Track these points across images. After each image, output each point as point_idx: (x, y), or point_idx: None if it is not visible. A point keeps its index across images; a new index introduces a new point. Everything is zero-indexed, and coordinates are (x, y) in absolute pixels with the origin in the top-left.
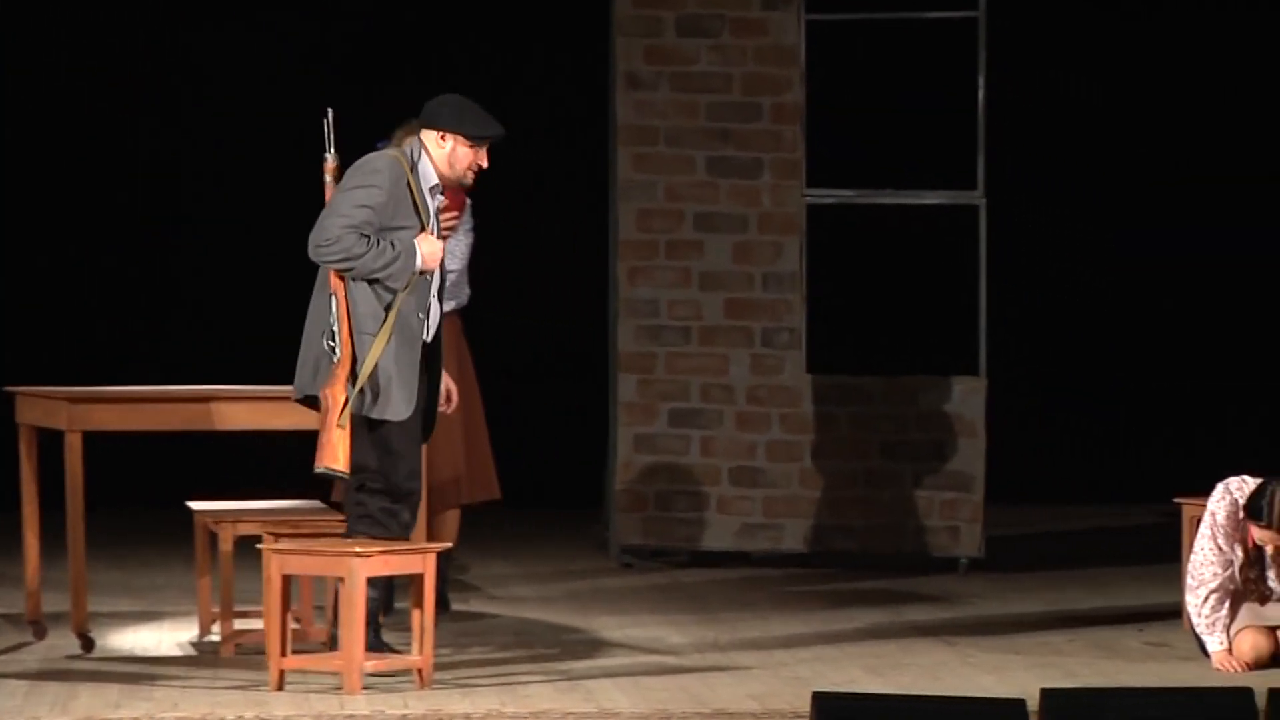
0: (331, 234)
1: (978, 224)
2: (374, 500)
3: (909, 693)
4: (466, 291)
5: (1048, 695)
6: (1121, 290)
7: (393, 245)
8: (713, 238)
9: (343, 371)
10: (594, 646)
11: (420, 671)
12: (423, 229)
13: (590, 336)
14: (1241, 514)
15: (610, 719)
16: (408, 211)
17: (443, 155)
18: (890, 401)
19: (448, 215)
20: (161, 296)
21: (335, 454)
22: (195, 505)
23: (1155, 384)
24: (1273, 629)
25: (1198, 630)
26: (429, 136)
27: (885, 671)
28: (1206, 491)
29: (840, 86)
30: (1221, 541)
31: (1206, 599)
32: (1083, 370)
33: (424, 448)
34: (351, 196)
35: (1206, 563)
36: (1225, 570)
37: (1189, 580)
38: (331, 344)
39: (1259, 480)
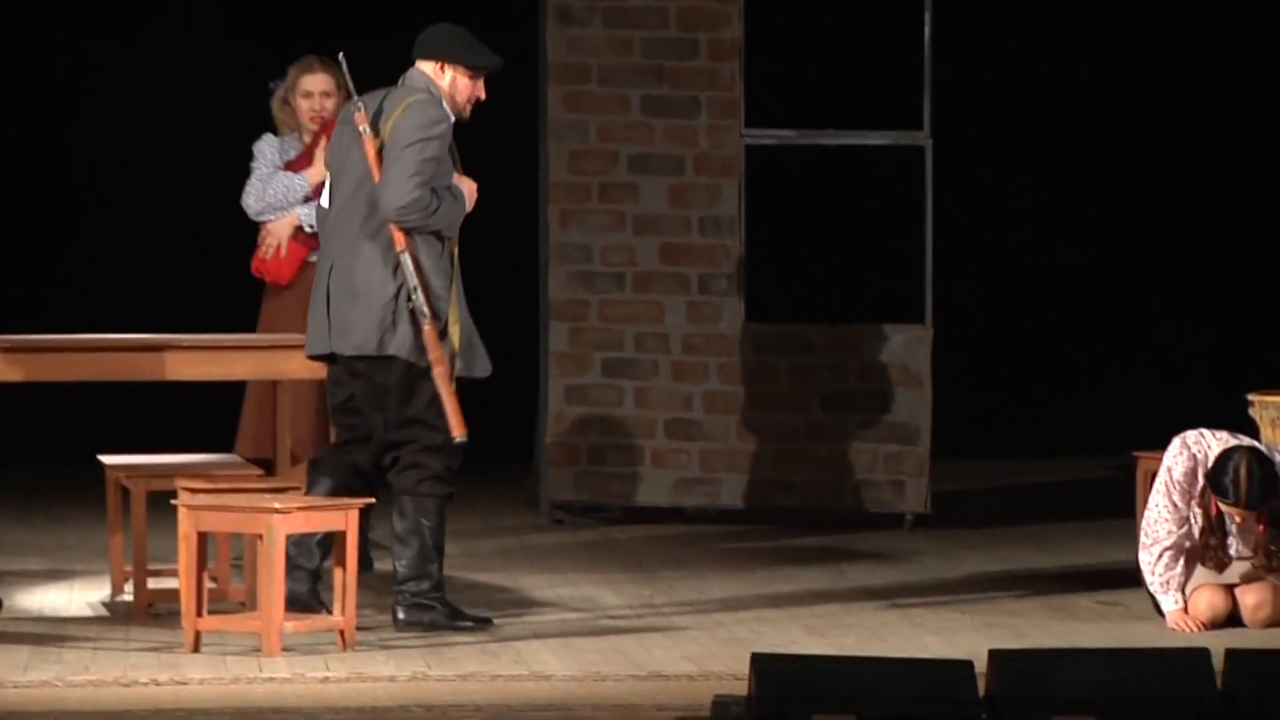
0: (411, 195)
1: (924, 165)
2: (437, 460)
3: (851, 654)
4: None
5: (996, 656)
6: (1074, 236)
7: (450, 192)
8: (647, 180)
9: (435, 333)
10: (524, 606)
11: (342, 633)
12: (455, 168)
13: (520, 283)
14: (1203, 482)
15: (541, 682)
16: (447, 154)
17: (443, 88)
18: (832, 351)
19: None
20: (62, 244)
21: (461, 419)
22: (106, 459)
23: (1109, 333)
24: (1230, 588)
25: (1151, 589)
26: (427, 68)
27: (827, 632)
28: (1162, 445)
29: (780, 22)
30: (1177, 499)
31: (1160, 556)
32: (1033, 319)
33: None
34: (419, 151)
35: (1161, 520)
36: (1181, 528)
37: (1142, 538)
38: (417, 303)
39: (1217, 436)
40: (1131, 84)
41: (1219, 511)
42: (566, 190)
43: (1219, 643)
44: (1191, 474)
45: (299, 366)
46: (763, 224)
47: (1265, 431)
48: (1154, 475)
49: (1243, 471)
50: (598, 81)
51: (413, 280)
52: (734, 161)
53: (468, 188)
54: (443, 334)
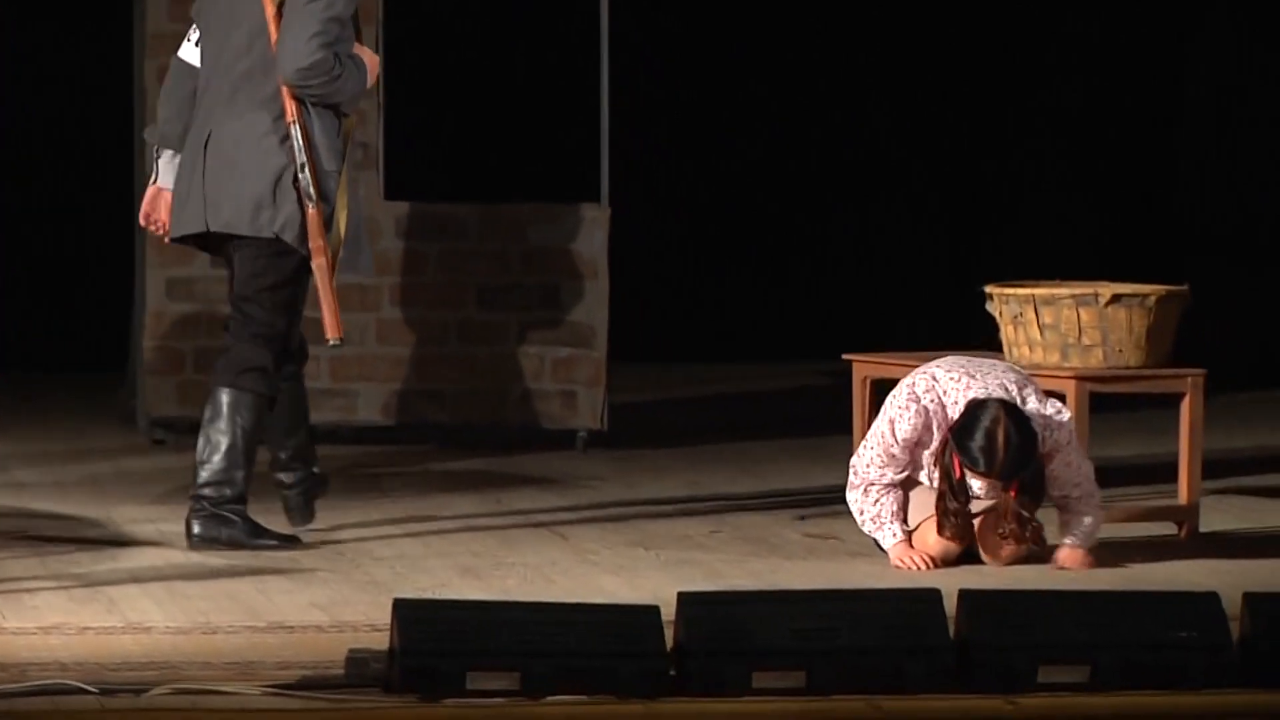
0: (314, 56)
1: (599, 13)
2: (266, 352)
3: (513, 599)
4: None
5: (687, 601)
6: (784, 104)
7: (354, 60)
8: None
9: (320, 217)
10: (118, 545)
11: None
12: (356, 38)
13: (111, 154)
14: (942, 440)
15: (139, 635)
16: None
17: None
18: (490, 235)
19: None
20: None
21: (339, 319)
22: None
23: (814, 222)
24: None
25: (865, 530)
26: None
27: (484, 573)
28: (883, 345)
29: None
30: (898, 452)
31: (868, 492)
32: (729, 200)
33: None
34: (325, 8)
35: (874, 464)
36: (900, 473)
37: (851, 476)
38: (305, 182)
39: (954, 379)
40: None
41: (962, 475)
42: (167, 41)
43: (951, 582)
44: (921, 429)
45: None
46: (405, 85)
47: (1006, 329)
48: (871, 383)
49: (999, 438)
50: None
51: (302, 156)
52: (370, 10)
53: (369, 60)
54: (328, 221)
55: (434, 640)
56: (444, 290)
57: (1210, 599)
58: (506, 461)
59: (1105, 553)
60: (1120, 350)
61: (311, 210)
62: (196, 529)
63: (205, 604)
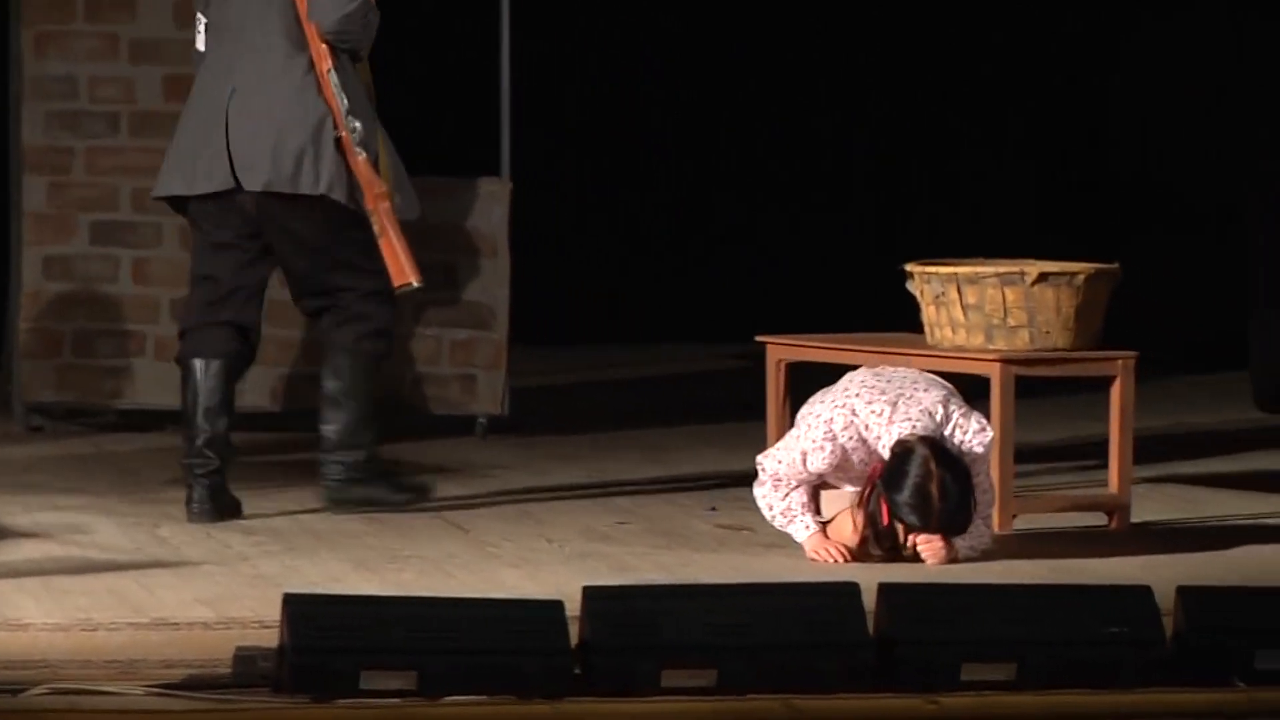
0: (353, 4)
1: None
2: (381, 312)
3: (410, 594)
4: None
5: (592, 595)
6: (695, 74)
7: (369, 3)
8: None
9: (369, 165)
10: None
11: None
12: None
13: None
14: (876, 494)
15: (15, 632)
16: None
17: None
18: None
19: None
20: None
21: (415, 263)
22: None
23: (728, 197)
24: None
25: (774, 524)
26: None
27: (379, 566)
28: (800, 327)
29: None
30: (809, 477)
31: (776, 485)
32: (636, 174)
33: None
34: None
35: (784, 471)
36: (813, 479)
37: (762, 473)
38: (352, 129)
39: (875, 411)
40: None
41: (891, 524)
42: (44, 8)
43: (871, 576)
44: (836, 465)
45: None
46: None
47: (927, 310)
48: (786, 366)
49: (933, 493)
50: None
51: (345, 104)
52: None
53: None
54: (375, 168)
55: (326, 637)
56: None
57: (1142, 593)
58: (401, 449)
59: (1032, 545)
60: (1047, 331)
61: (362, 158)
62: (331, 493)
63: (85, 600)
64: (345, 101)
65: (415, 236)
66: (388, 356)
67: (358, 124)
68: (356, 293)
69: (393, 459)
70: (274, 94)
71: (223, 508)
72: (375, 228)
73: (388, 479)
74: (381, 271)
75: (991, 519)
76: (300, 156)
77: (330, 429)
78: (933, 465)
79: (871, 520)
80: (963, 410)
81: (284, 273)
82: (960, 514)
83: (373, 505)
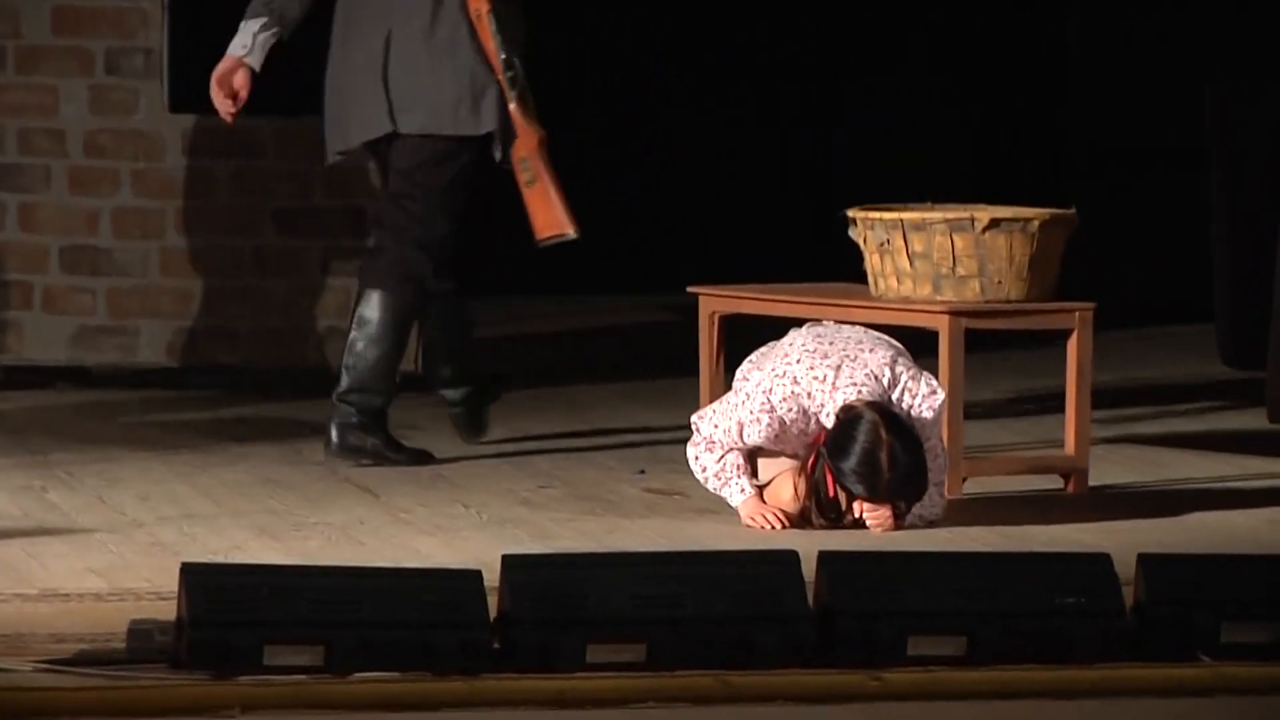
0: None
1: None
2: (427, 256)
3: (316, 563)
4: None
5: (512, 564)
6: (626, 4)
7: None
8: None
9: (524, 108)
10: None
11: None
12: None
13: None
14: (821, 463)
15: None
16: None
17: None
18: (290, 153)
19: None
20: None
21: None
22: None
23: (657, 137)
24: None
25: (707, 485)
26: None
27: (284, 534)
28: (728, 278)
29: None
30: (755, 444)
31: (711, 447)
32: (559, 112)
33: None
34: None
35: (729, 441)
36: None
37: (696, 434)
38: (510, 73)
39: (818, 378)
40: None
41: (835, 495)
42: None
43: (810, 543)
44: (774, 438)
45: None
46: None
47: (871, 259)
48: (722, 320)
49: (881, 460)
50: None
51: (503, 49)
52: None
53: None
54: (530, 112)
55: (226, 610)
56: (236, 215)
57: (1101, 561)
58: (308, 408)
59: (983, 510)
60: (999, 281)
61: (513, 105)
62: (336, 438)
63: None
64: (503, 49)
65: (323, 178)
66: (419, 307)
67: (516, 67)
68: (414, 232)
69: (294, 419)
70: (432, 37)
71: (417, 453)
72: (526, 175)
73: (388, 436)
74: (442, 220)
75: (944, 486)
76: (458, 100)
77: (349, 371)
78: (882, 431)
79: (815, 490)
80: (911, 372)
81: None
82: (910, 483)
83: (376, 460)
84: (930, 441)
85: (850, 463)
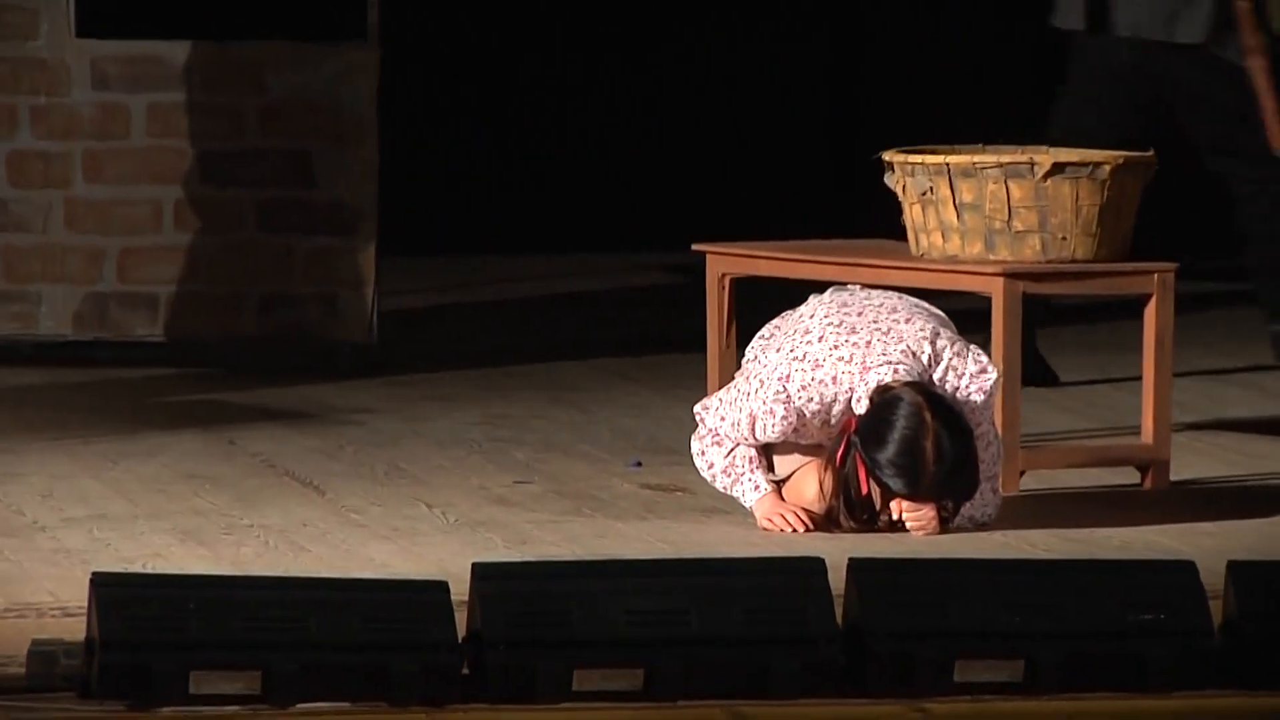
0: None
1: None
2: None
3: (252, 573)
4: None
5: (484, 574)
6: None
7: None
8: None
9: (1251, 11)
10: None
11: None
12: None
13: None
14: (852, 455)
15: None
16: None
17: None
18: (220, 82)
19: None
20: None
21: None
22: None
23: (654, 72)
24: None
25: (715, 484)
26: None
27: (212, 539)
28: (740, 234)
29: None
30: (768, 440)
31: (719, 439)
32: (540, 41)
33: None
34: None
35: (737, 429)
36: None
37: (701, 425)
38: None
39: (843, 360)
40: None
41: (869, 492)
42: None
43: (839, 549)
44: (791, 432)
45: None
46: None
47: (911, 211)
48: (731, 281)
49: (926, 452)
50: None
51: None
52: None
53: None
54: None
55: (145, 629)
56: (155, 158)
57: (1184, 570)
58: (242, 389)
59: (1044, 509)
60: (1063, 237)
61: (1243, 2)
62: None
63: None
64: None
65: (258, 116)
66: None
67: None
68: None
69: (224, 403)
70: None
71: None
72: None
73: None
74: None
75: (997, 480)
76: (1175, 4)
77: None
78: (926, 416)
79: (844, 486)
80: (957, 347)
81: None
82: (958, 478)
83: None
84: (981, 428)
85: (887, 453)
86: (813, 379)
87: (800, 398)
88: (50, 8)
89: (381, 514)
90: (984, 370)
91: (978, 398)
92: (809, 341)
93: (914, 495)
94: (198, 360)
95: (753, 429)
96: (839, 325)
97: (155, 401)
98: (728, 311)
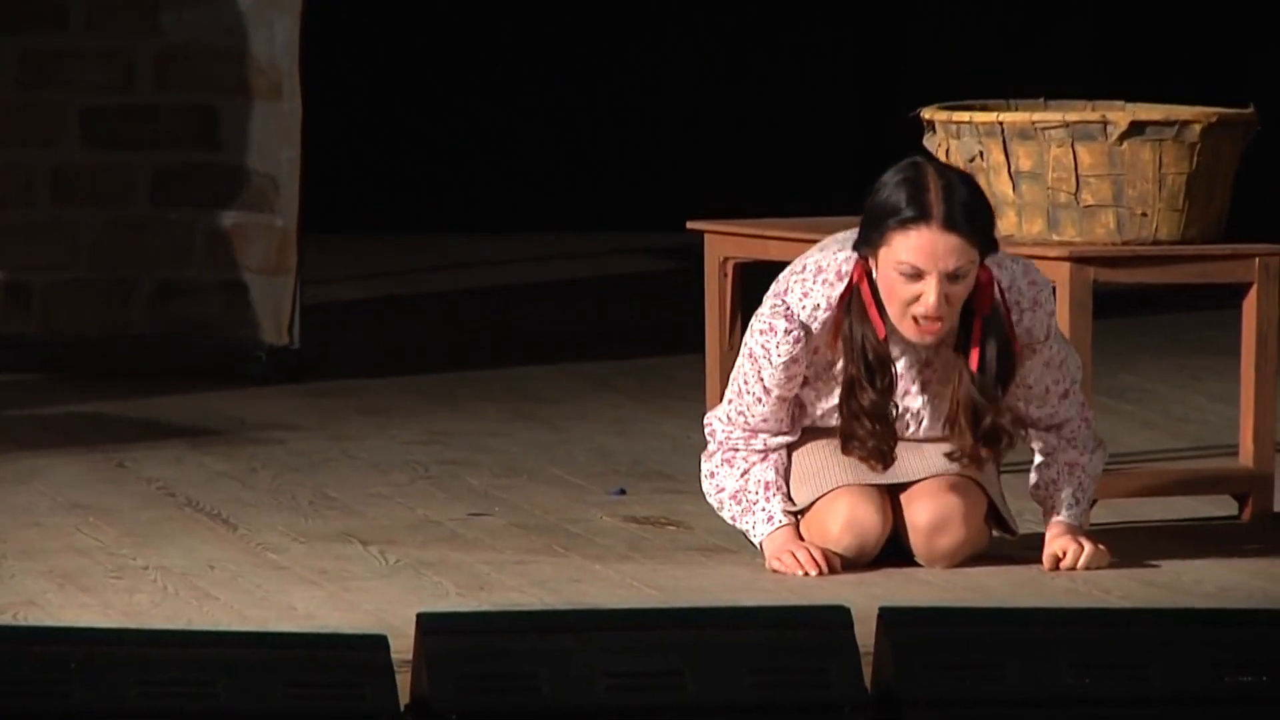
0: None
1: None
2: None
3: (146, 626)
4: None
5: (432, 629)
6: None
7: None
8: None
9: None
10: None
11: None
12: None
13: None
14: (862, 285)
15: None
16: None
17: None
18: (104, 28)
19: None
20: None
21: None
22: None
23: (645, 23)
24: (889, 492)
25: (722, 514)
26: None
27: (99, 583)
28: (743, 211)
29: None
30: (769, 407)
31: (730, 459)
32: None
33: None
34: None
35: (738, 425)
36: (780, 434)
37: (711, 439)
38: None
39: (847, 259)
40: None
41: (884, 338)
42: None
43: (868, 596)
44: (803, 364)
45: None
46: None
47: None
48: (733, 266)
49: (927, 178)
50: None
51: None
52: None
53: None
54: None
55: (19, 691)
56: (28, 118)
57: None
58: (133, 399)
59: (1119, 546)
60: (1143, 214)
61: None
62: None
63: None
64: None
65: (154, 65)
66: None
67: None
68: None
69: (114, 416)
70: None
71: None
72: None
73: None
74: None
75: (1093, 423)
76: None
77: None
78: (925, 162)
79: (859, 342)
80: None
81: None
82: (973, 211)
83: None
84: (1053, 354)
85: (882, 194)
86: (815, 283)
87: (803, 307)
88: None
89: (305, 553)
90: (1036, 283)
91: (1038, 311)
92: (806, 255)
93: (921, 217)
94: (78, 363)
95: (758, 373)
96: (845, 236)
97: (27, 414)
98: (730, 303)
